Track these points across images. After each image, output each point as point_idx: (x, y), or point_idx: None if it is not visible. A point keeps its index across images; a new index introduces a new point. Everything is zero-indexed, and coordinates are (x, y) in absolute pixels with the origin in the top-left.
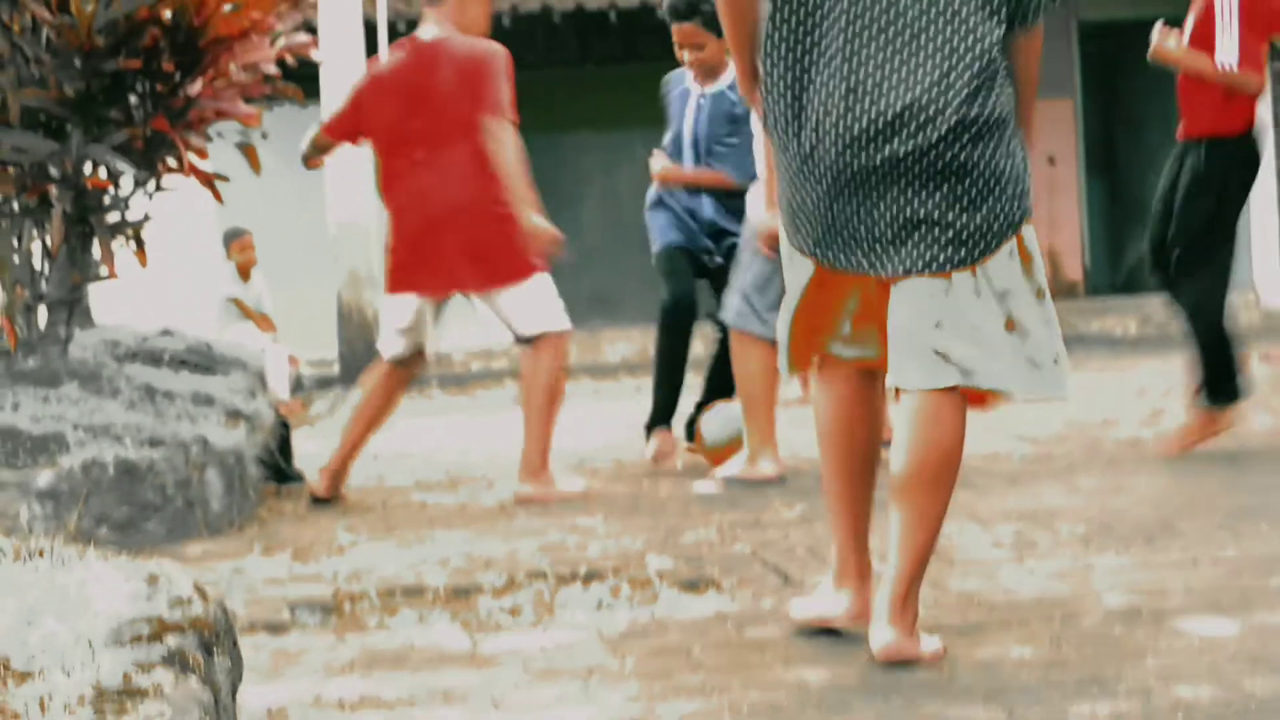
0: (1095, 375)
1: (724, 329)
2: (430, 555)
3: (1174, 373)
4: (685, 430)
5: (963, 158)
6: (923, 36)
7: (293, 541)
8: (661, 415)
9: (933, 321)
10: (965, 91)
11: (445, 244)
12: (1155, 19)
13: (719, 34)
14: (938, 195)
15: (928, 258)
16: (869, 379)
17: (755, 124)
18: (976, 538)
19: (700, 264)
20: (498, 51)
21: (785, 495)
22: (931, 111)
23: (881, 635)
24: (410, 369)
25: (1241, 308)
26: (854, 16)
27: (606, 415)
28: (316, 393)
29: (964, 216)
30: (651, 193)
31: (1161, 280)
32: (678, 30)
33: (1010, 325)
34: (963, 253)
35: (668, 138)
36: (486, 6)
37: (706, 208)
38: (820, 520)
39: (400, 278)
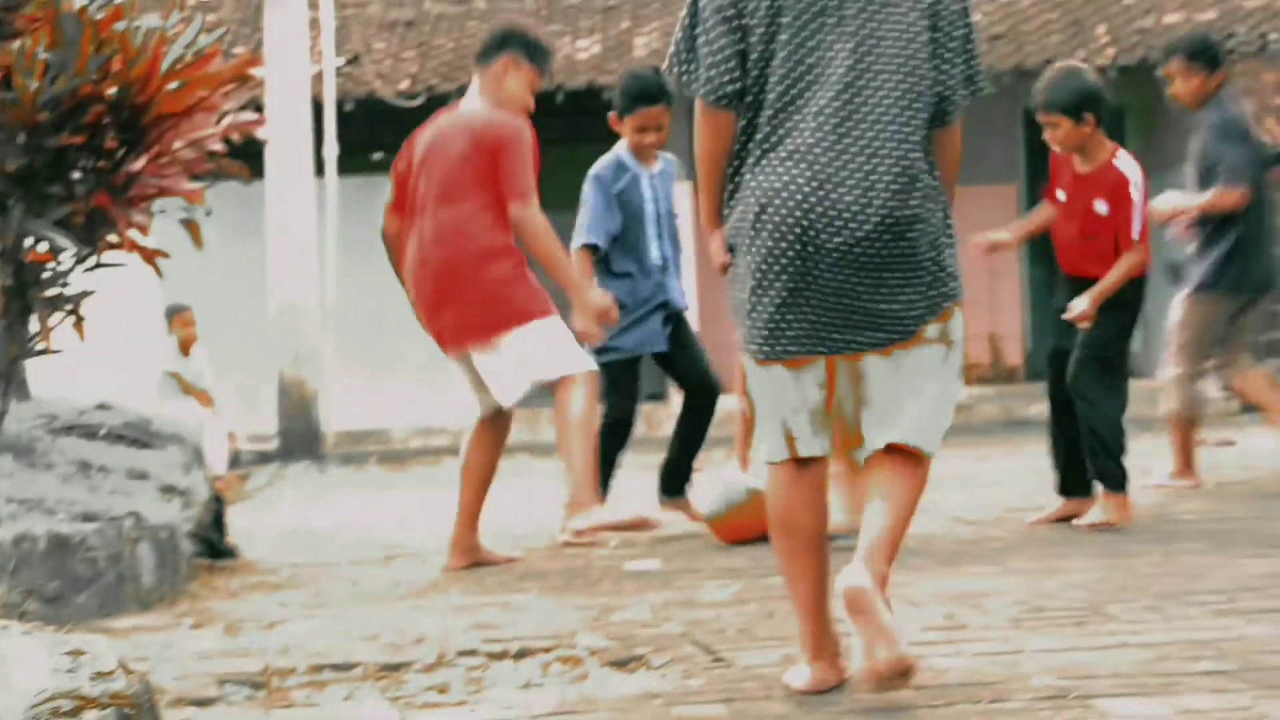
0: (1031, 459)
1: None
2: (362, 631)
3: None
4: (662, 486)
5: (889, 252)
6: (847, 140)
7: (224, 616)
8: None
9: (884, 392)
10: (887, 193)
11: (442, 303)
12: None
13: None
14: (870, 283)
15: (877, 339)
16: (822, 466)
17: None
18: (908, 619)
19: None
20: (518, 129)
21: (719, 575)
22: (856, 210)
23: (853, 575)
24: (500, 423)
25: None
26: (785, 124)
27: (544, 492)
28: (254, 468)
29: (893, 304)
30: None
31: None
32: (649, 114)
33: (923, 397)
34: (897, 333)
35: (612, 225)
36: (529, 83)
37: (674, 292)
38: (754, 601)
39: (434, 337)
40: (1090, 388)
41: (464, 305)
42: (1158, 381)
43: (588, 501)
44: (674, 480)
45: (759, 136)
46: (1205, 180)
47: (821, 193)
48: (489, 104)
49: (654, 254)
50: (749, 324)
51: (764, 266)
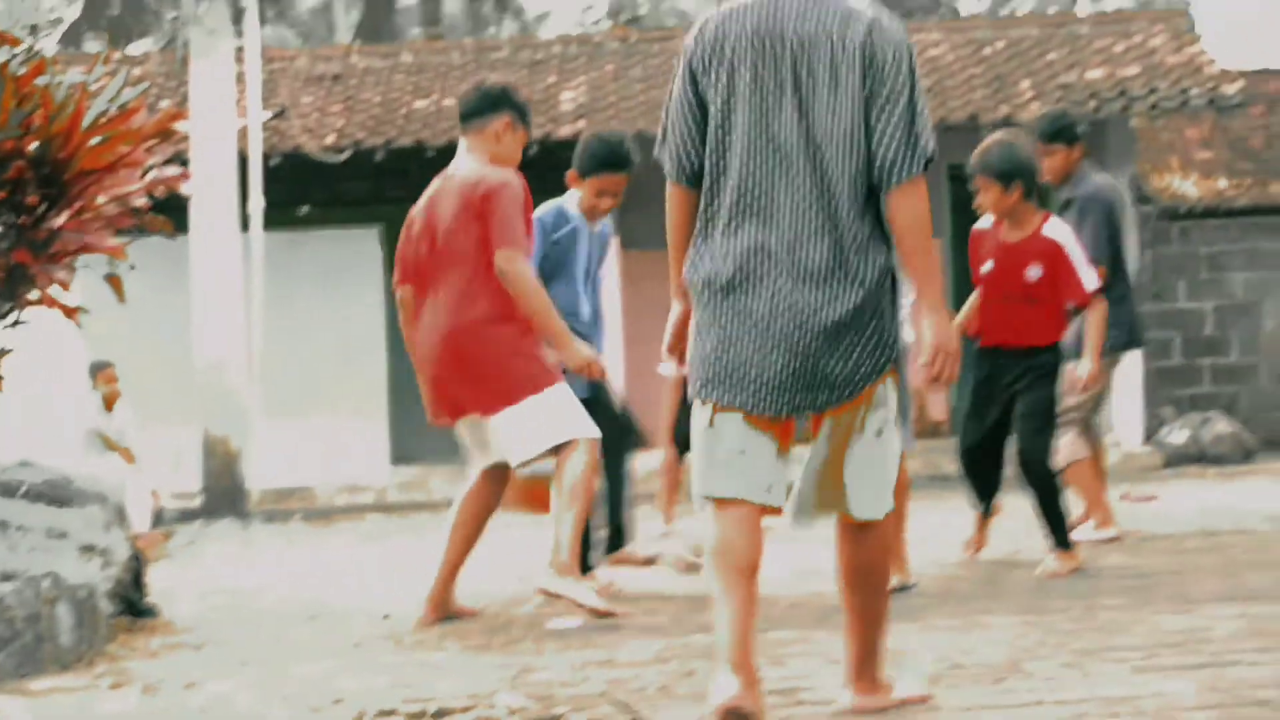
0: (953, 515)
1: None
2: (281, 690)
3: (1031, 514)
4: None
5: (840, 315)
6: (781, 210)
7: (142, 677)
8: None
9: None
10: (833, 260)
11: (454, 374)
12: None
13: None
14: (815, 348)
15: (815, 401)
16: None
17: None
18: (828, 677)
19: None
20: (506, 179)
21: (640, 633)
22: (809, 276)
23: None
24: (499, 482)
25: (1105, 451)
26: (741, 194)
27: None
28: (178, 526)
29: (837, 367)
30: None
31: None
32: (614, 179)
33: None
34: (834, 396)
35: (539, 263)
36: (522, 144)
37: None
38: (675, 659)
39: (429, 407)
40: (1047, 456)
41: (475, 377)
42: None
43: (567, 569)
44: (614, 539)
45: (721, 207)
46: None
47: (783, 255)
48: (481, 162)
49: (585, 309)
50: (708, 375)
51: (732, 325)
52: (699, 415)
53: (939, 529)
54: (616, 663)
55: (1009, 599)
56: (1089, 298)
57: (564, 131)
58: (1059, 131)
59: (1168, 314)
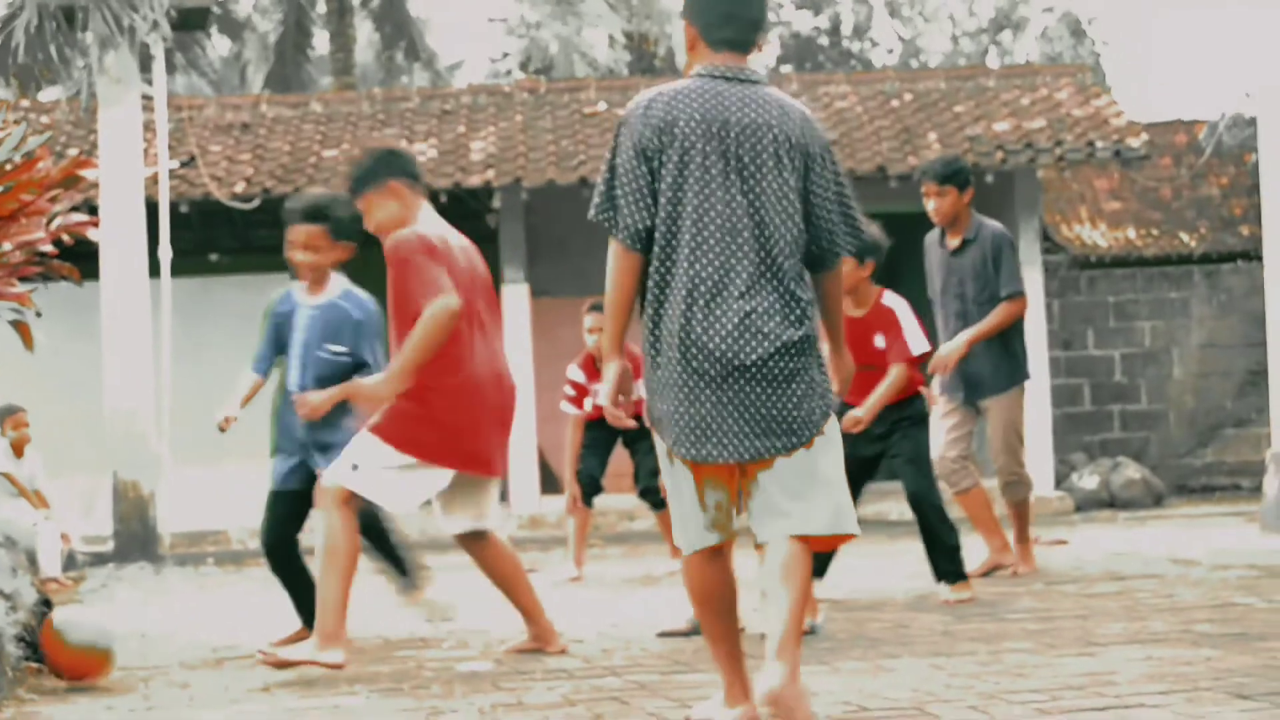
0: (866, 559)
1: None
2: None
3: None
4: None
5: (792, 367)
6: (738, 283)
7: None
8: None
9: (783, 490)
10: (781, 321)
11: (508, 425)
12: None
13: (340, 240)
14: (775, 397)
15: (780, 444)
16: (728, 548)
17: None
18: None
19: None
20: (402, 240)
21: (549, 677)
22: (767, 332)
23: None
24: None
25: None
26: (694, 263)
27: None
28: (89, 570)
29: (795, 411)
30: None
31: None
32: (305, 232)
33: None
34: (795, 439)
35: (266, 350)
36: (401, 201)
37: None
38: (583, 702)
39: (486, 460)
40: (937, 494)
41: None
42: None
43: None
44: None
45: (676, 270)
46: (982, 289)
47: (739, 320)
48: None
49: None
50: (676, 431)
51: (691, 382)
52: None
53: (846, 571)
54: (525, 706)
55: (916, 643)
56: (911, 359)
57: (473, 180)
58: (953, 174)
59: (1076, 361)
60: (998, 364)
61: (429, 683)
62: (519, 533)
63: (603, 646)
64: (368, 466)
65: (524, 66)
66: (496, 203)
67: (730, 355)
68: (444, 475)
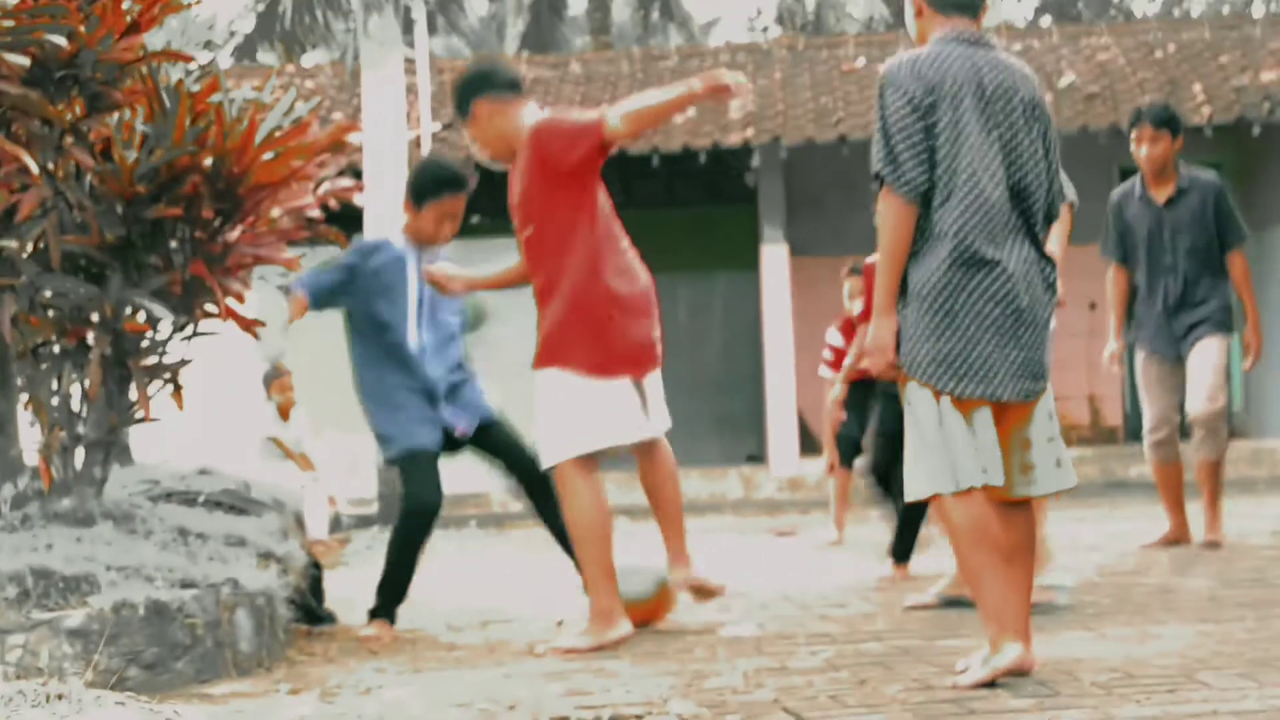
0: (1129, 523)
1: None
2: (455, 697)
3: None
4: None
5: (1047, 317)
6: (1005, 234)
7: (320, 682)
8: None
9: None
10: (1043, 271)
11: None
12: None
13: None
14: (1041, 342)
15: (1041, 386)
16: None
17: None
18: (997, 689)
19: (452, 442)
20: (525, 130)
21: (812, 641)
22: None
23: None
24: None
25: None
26: (969, 216)
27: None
28: (354, 532)
29: (1048, 358)
30: (378, 384)
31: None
32: (457, 200)
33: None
34: (1046, 382)
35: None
36: (501, 115)
37: (440, 381)
38: (846, 667)
39: (644, 356)
40: None
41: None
42: (1266, 442)
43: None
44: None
45: (948, 225)
46: (1200, 237)
47: (1019, 266)
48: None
49: (415, 341)
50: (953, 368)
51: (974, 326)
52: (936, 406)
53: (1111, 537)
54: (788, 670)
55: (1183, 609)
56: None
57: (733, 139)
58: (1170, 119)
59: None
60: (1215, 310)
61: (692, 646)
62: (778, 495)
63: (864, 611)
64: (563, 427)
65: (781, 23)
66: (755, 161)
67: (1012, 299)
68: (622, 383)
